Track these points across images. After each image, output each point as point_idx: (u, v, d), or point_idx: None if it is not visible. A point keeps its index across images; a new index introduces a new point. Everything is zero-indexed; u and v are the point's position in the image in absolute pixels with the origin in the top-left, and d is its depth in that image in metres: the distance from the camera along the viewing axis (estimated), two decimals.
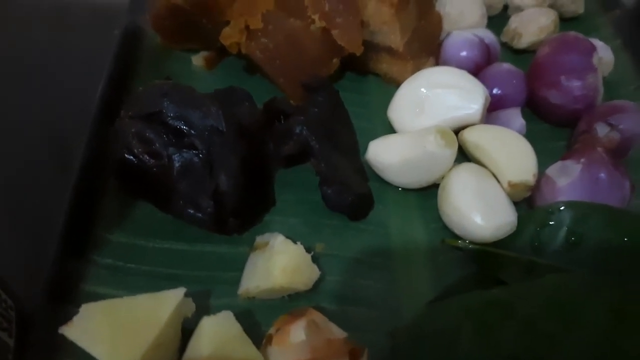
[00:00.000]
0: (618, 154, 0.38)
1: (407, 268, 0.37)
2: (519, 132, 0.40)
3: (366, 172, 0.40)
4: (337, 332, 0.28)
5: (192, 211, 0.33)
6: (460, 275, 0.36)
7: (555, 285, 0.32)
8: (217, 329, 0.30)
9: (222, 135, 0.33)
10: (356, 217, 0.38)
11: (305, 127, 0.37)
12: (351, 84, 0.47)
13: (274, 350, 0.28)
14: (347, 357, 0.26)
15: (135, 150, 0.32)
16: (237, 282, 0.35)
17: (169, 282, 0.33)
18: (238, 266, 0.35)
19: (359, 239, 0.38)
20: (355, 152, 0.40)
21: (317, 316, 0.29)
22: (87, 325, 0.29)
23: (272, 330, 0.30)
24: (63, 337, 0.28)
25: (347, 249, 0.37)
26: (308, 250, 0.35)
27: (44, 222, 0.35)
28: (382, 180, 0.40)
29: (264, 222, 0.38)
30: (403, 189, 0.40)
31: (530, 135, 0.40)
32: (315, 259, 0.35)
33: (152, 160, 0.33)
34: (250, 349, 0.29)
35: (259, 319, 0.33)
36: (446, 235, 0.38)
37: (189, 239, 0.37)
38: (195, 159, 0.33)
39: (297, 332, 0.27)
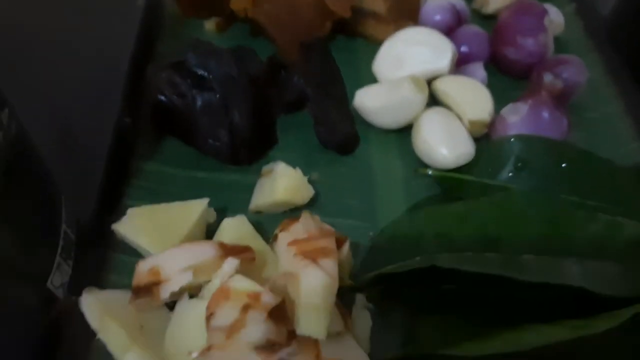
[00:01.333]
0: (562, 99, 0.46)
1: (385, 191, 0.45)
2: (481, 81, 0.48)
3: (353, 116, 0.48)
4: (328, 227, 0.37)
5: (211, 141, 0.42)
6: (427, 195, 0.44)
7: (503, 200, 0.41)
8: (235, 227, 0.38)
9: (235, 80, 0.41)
10: (345, 152, 0.47)
11: (302, 77, 0.45)
12: (342, 45, 0.55)
13: (279, 241, 0.36)
14: (334, 241, 0.34)
15: (166, 92, 0.40)
16: (247, 202, 0.43)
17: None
18: (248, 191, 0.43)
19: (346, 169, 0.46)
20: (344, 99, 0.48)
21: (312, 216, 0.37)
22: (133, 223, 0.37)
23: (277, 231, 0.38)
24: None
25: (336, 176, 0.45)
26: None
27: (93, 155, 0.43)
28: (367, 123, 0.48)
29: (269, 157, 0.46)
30: (384, 129, 0.48)
31: (492, 87, 0.48)
32: (310, 183, 0.43)
33: (179, 100, 0.41)
34: (261, 243, 0.37)
35: (266, 228, 0.41)
36: (418, 166, 0.46)
37: (208, 169, 0.45)
38: (214, 99, 0.41)
39: (297, 227, 0.36)
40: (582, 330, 0.31)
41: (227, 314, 0.29)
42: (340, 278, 0.36)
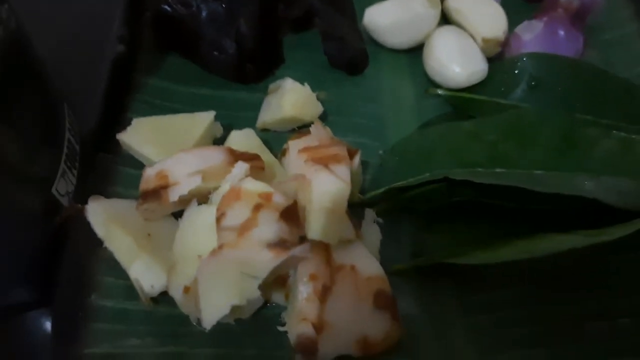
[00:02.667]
0: (578, 18, 0.45)
1: (395, 111, 0.44)
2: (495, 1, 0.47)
3: (363, 35, 0.47)
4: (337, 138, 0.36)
5: (217, 53, 0.40)
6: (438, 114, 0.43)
7: (515, 117, 0.40)
8: (243, 139, 0.37)
9: None
10: (354, 72, 0.45)
11: None
12: None
13: (289, 150, 0.35)
14: (346, 150, 0.33)
15: (170, 1, 0.39)
16: (254, 121, 0.42)
17: None
18: (255, 109, 0.42)
19: (355, 88, 0.45)
20: (353, 16, 0.47)
21: (324, 126, 0.36)
22: (138, 133, 0.36)
23: (286, 145, 0.37)
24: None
25: (345, 96, 0.44)
26: None
27: (95, 68, 0.41)
28: (377, 43, 0.47)
29: (276, 76, 0.45)
30: (394, 50, 0.47)
31: (505, 10, 0.47)
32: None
33: (183, 9, 0.39)
34: (269, 155, 0.36)
35: (273, 146, 0.40)
36: (428, 86, 0.45)
37: (213, 86, 0.44)
38: (219, 9, 0.39)
39: (308, 137, 0.35)
40: (596, 238, 0.30)
41: (238, 214, 0.28)
42: (350, 193, 0.35)
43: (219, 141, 0.39)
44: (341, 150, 0.32)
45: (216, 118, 0.39)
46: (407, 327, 0.31)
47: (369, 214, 0.36)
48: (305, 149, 0.32)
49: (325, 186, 0.30)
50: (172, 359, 0.31)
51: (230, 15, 0.39)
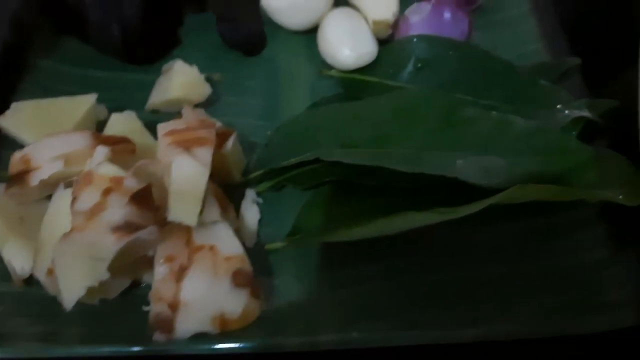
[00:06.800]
0: (465, 1, 0.46)
1: (290, 92, 0.44)
2: None
3: (261, 16, 0.47)
4: (212, 121, 0.37)
5: (105, 37, 0.41)
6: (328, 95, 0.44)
7: (397, 98, 0.41)
8: (123, 123, 0.37)
9: None
10: (251, 53, 0.46)
11: None
12: None
13: (158, 133, 0.35)
14: (214, 132, 0.34)
15: None
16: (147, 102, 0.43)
17: None
18: (149, 89, 0.43)
19: (251, 69, 0.45)
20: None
21: (195, 110, 0.37)
22: (16, 117, 0.37)
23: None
24: None
25: (241, 77, 0.45)
26: (208, 78, 0.42)
27: None
28: (276, 24, 0.47)
29: (173, 56, 0.45)
30: (293, 31, 0.47)
31: None
32: (213, 85, 0.43)
33: None
34: (149, 139, 0.37)
35: None
36: (324, 68, 0.45)
37: (108, 68, 0.44)
38: None
39: (177, 122, 0.35)
40: (445, 216, 0.31)
41: (88, 198, 0.29)
42: (230, 174, 0.36)
43: (105, 124, 0.39)
44: (208, 134, 0.33)
45: (110, 100, 0.40)
46: (275, 304, 0.33)
47: (250, 193, 0.37)
48: (170, 132, 0.33)
49: (182, 169, 0.31)
50: (44, 337, 0.32)
51: None
